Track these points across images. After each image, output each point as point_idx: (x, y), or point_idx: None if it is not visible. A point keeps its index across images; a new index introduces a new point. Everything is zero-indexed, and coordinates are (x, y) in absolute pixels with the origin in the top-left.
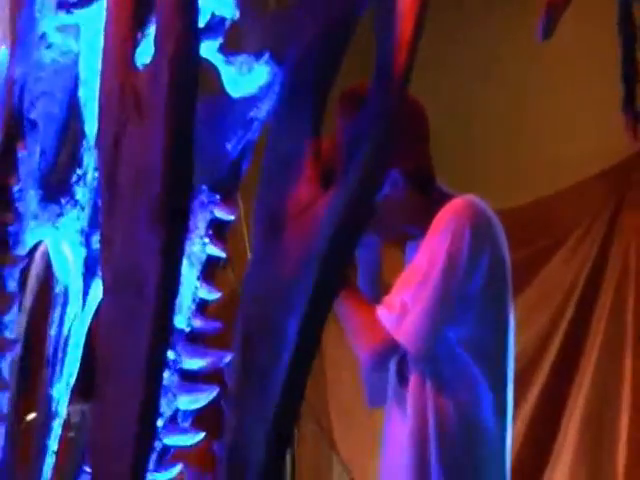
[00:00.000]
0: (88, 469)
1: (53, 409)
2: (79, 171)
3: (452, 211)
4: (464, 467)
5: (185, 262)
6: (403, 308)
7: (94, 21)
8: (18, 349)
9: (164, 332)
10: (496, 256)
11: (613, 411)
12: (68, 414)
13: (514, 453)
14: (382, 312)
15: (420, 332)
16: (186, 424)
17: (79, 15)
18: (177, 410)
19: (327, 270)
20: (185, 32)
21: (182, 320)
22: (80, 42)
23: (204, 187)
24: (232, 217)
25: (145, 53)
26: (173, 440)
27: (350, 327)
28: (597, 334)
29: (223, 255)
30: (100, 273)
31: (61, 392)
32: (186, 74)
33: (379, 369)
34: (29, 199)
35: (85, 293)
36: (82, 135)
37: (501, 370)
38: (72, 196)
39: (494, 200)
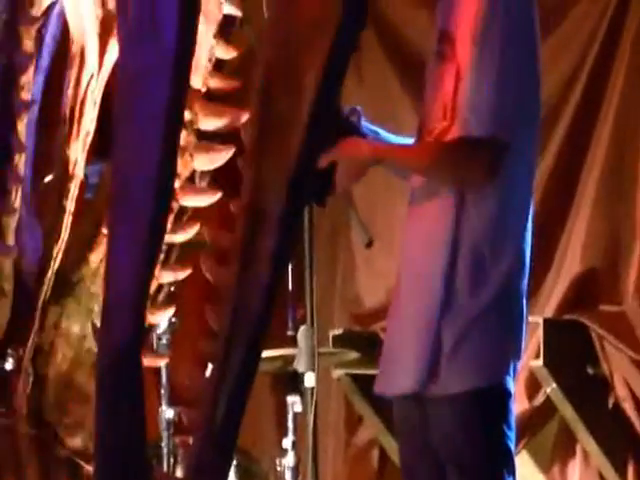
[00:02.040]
0: (106, 230)
1: (70, 170)
2: None
3: None
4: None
5: (201, 21)
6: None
7: None
8: (35, 110)
9: (182, 86)
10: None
11: (632, 162)
12: (85, 175)
13: (535, 205)
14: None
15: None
16: (203, 184)
17: None
18: (194, 170)
19: (346, 24)
20: None
21: (198, 80)
22: None
23: None
24: None
25: None
26: (190, 201)
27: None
28: (617, 83)
29: (239, 13)
30: (117, 29)
31: (78, 152)
32: None
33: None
34: None
35: (101, 52)
36: None
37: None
38: None
39: None
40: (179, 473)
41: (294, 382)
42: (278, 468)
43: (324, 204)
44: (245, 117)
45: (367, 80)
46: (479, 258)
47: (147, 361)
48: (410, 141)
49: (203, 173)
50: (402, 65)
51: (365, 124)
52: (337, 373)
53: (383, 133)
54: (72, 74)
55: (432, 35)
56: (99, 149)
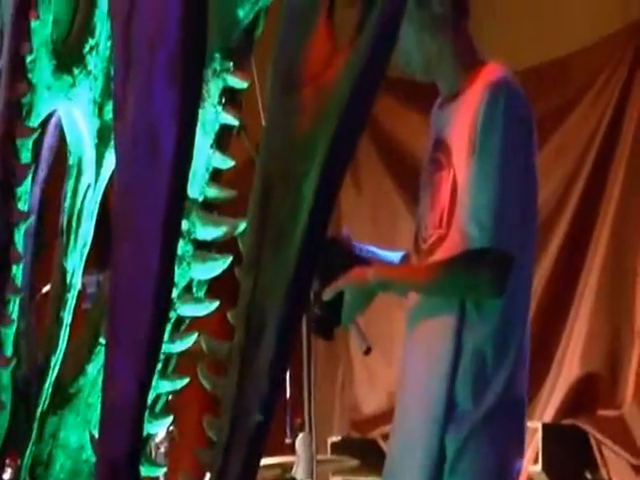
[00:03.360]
0: (103, 340)
1: (67, 280)
2: (92, 41)
3: (487, 99)
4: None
5: (198, 130)
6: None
7: None
8: (32, 221)
9: (180, 197)
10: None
11: (631, 266)
12: (83, 285)
13: (534, 309)
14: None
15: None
16: (201, 294)
17: None
18: (192, 280)
19: (345, 123)
20: None
21: (196, 189)
22: None
23: (216, 54)
24: (245, 84)
25: None
26: (188, 310)
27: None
28: (615, 185)
29: (236, 123)
30: (113, 142)
31: (75, 263)
32: None
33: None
34: (42, 69)
35: (98, 164)
36: (94, 4)
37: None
38: (85, 66)
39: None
40: None
41: None
42: None
43: (331, 337)
44: (242, 226)
45: (365, 189)
46: (481, 366)
47: (145, 471)
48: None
49: (201, 282)
50: (399, 172)
51: (361, 246)
52: None
53: (380, 253)
54: (69, 185)
55: (426, 140)
56: (96, 259)
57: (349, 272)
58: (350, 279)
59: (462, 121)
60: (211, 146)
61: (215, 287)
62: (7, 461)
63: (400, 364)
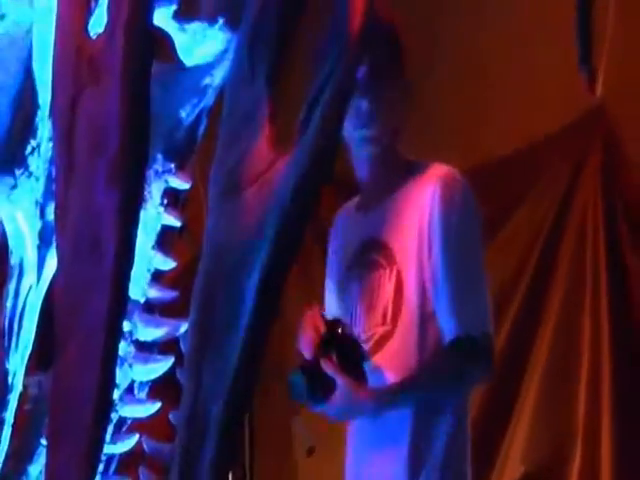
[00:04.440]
0: (45, 441)
1: (9, 382)
2: (33, 142)
3: (444, 194)
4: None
5: (140, 231)
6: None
7: None
8: None
9: (122, 299)
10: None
11: (574, 368)
12: (25, 386)
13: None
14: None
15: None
16: (142, 395)
17: None
18: (133, 381)
19: (286, 229)
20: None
21: (137, 290)
22: (33, 12)
23: (159, 155)
24: (187, 186)
25: (98, 23)
26: (130, 411)
27: None
28: (557, 293)
29: (178, 224)
30: (55, 243)
31: (17, 364)
32: (140, 41)
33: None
34: None
35: (40, 265)
36: (36, 106)
37: None
38: (26, 167)
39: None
40: None
41: None
42: None
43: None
44: (184, 327)
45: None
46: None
47: None
48: None
49: (142, 383)
50: None
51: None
52: None
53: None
54: (11, 286)
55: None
56: (38, 360)
57: (348, 389)
58: (349, 401)
59: (406, 219)
60: (153, 247)
61: (157, 388)
62: None
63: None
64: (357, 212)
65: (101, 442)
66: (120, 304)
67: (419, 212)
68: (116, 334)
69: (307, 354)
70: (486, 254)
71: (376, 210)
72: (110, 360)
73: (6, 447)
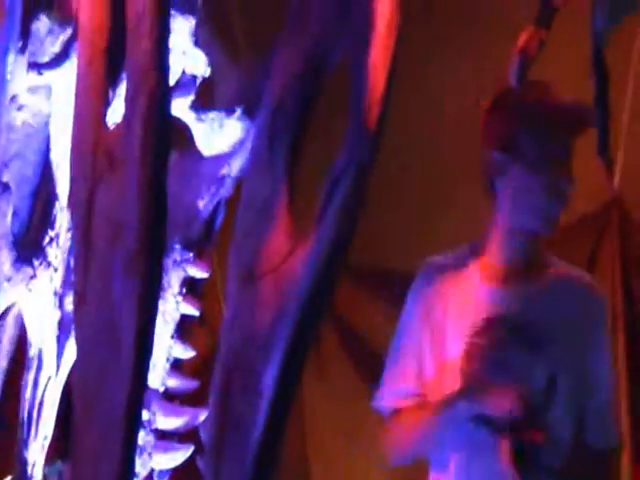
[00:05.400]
0: None
1: (29, 471)
2: (51, 232)
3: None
4: None
5: (159, 320)
6: None
7: (65, 81)
8: None
9: (140, 389)
10: None
11: None
12: (44, 475)
13: None
14: None
15: None
16: None
17: (50, 76)
18: (152, 470)
19: (304, 320)
20: (156, 90)
21: (156, 379)
22: (51, 103)
23: (177, 245)
24: (206, 275)
25: (116, 112)
26: None
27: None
28: None
29: (197, 313)
30: (74, 333)
31: (36, 454)
32: (158, 132)
33: None
34: (2, 261)
35: (59, 355)
36: (54, 196)
37: None
38: (45, 257)
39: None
40: None
41: None
42: None
43: None
44: (203, 416)
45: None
46: None
47: None
48: None
49: (162, 472)
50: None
51: None
52: None
53: None
54: (30, 376)
55: (390, 328)
56: (58, 449)
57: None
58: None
59: (553, 310)
60: (171, 336)
61: (177, 476)
62: None
63: None
64: (496, 285)
65: None
66: (139, 393)
67: (574, 308)
68: (135, 423)
69: None
70: None
71: (512, 287)
72: (129, 449)
73: None
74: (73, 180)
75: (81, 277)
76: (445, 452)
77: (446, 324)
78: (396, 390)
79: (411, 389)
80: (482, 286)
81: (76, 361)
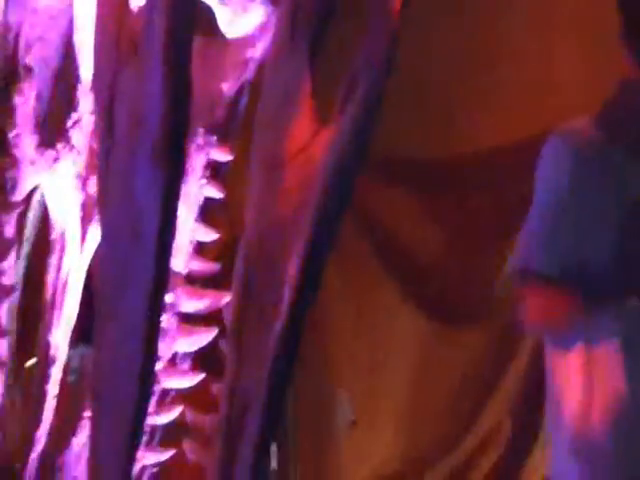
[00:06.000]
0: (88, 413)
1: (52, 354)
2: (75, 115)
3: None
4: None
5: (182, 204)
6: None
7: None
8: (16, 295)
9: (163, 274)
10: None
11: None
12: (68, 358)
13: None
14: None
15: None
16: (185, 366)
17: None
18: (176, 353)
19: (328, 210)
20: None
21: (179, 263)
22: None
23: (200, 129)
24: (229, 158)
25: None
26: (172, 383)
27: None
28: None
29: (220, 196)
30: (97, 217)
31: (60, 337)
32: (182, 16)
33: None
34: (26, 145)
35: (82, 238)
36: (77, 80)
37: None
38: (68, 141)
39: None
40: None
41: None
42: None
43: None
44: (226, 299)
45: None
46: None
47: None
48: None
49: (185, 355)
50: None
51: None
52: None
53: None
54: (53, 260)
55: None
56: (80, 332)
57: None
58: None
59: None
60: (194, 220)
61: (200, 359)
62: None
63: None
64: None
65: (144, 414)
66: (162, 277)
67: None
68: (158, 307)
69: None
70: None
71: None
72: (153, 332)
73: (50, 419)
74: (97, 64)
75: (104, 162)
76: None
77: None
78: None
79: None
80: None
81: (100, 245)
